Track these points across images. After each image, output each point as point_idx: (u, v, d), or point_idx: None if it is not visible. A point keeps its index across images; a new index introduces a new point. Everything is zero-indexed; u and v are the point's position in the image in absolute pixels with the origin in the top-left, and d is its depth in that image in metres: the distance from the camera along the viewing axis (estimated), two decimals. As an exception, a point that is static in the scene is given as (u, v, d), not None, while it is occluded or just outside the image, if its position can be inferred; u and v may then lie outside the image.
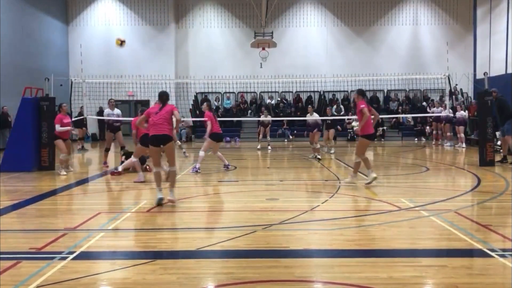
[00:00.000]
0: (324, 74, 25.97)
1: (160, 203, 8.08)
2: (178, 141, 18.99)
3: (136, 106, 25.71)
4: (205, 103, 13.49)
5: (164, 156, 8.84)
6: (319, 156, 15.48)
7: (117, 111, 14.42)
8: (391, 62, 26.98)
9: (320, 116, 16.97)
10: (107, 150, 14.17)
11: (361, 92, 10.21)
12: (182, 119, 19.10)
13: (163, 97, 8.35)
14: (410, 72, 25.65)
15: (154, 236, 6.39)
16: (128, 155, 12.56)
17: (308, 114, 16.48)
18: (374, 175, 9.97)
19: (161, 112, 8.18)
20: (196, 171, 12.33)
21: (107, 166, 13.80)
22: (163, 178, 9.25)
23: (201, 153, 12.68)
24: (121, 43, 17.31)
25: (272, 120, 21.52)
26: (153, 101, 19.71)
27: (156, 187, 8.33)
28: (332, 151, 17.23)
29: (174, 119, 8.33)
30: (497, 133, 15.82)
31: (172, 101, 23.37)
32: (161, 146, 8.15)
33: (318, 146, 15.77)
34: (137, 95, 24.13)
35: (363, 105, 9.85)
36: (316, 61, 27.41)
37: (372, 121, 10.06)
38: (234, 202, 8.89)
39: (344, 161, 15.01)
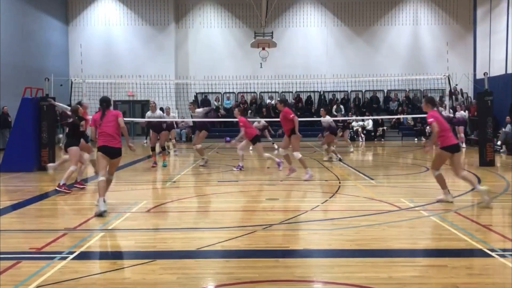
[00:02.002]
0: (324, 74, 25.98)
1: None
2: (173, 140, 19.01)
3: (136, 106, 25.79)
4: (236, 109, 13.59)
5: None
6: (339, 156, 15.18)
7: (159, 112, 14.48)
8: (391, 62, 26.97)
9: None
10: (153, 149, 14.07)
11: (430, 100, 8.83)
12: (182, 119, 19.12)
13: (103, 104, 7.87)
14: (410, 72, 25.64)
15: (154, 236, 6.40)
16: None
17: (322, 118, 16.19)
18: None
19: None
20: (240, 169, 12.78)
21: (155, 166, 13.74)
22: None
23: (239, 152, 12.95)
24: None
25: (273, 121, 21.48)
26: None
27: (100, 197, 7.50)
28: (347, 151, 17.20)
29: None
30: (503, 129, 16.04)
31: (172, 101, 23.62)
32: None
33: (334, 147, 15.42)
34: (137, 95, 24.15)
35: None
36: (316, 61, 27.40)
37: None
38: (234, 202, 8.88)
39: (344, 161, 15.01)
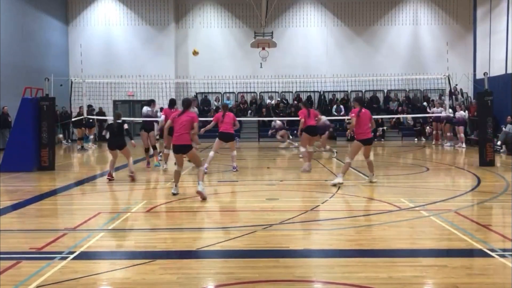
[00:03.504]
0: (324, 74, 25.97)
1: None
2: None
3: (136, 106, 25.77)
4: (301, 103, 13.79)
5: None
6: (335, 152, 15.96)
7: (156, 109, 14.62)
8: (391, 62, 26.97)
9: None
10: (146, 150, 13.84)
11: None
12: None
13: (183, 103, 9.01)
14: (410, 72, 25.62)
15: (154, 236, 6.39)
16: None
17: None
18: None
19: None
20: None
21: (149, 167, 13.84)
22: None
23: (302, 149, 12.82)
24: (196, 52, 17.46)
25: (273, 121, 21.60)
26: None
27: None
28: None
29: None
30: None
31: (172, 101, 23.53)
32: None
33: (328, 147, 16.08)
34: (137, 95, 24.11)
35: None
36: (316, 61, 27.39)
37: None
38: (234, 202, 8.89)
39: (343, 161, 14.99)
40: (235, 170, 12.67)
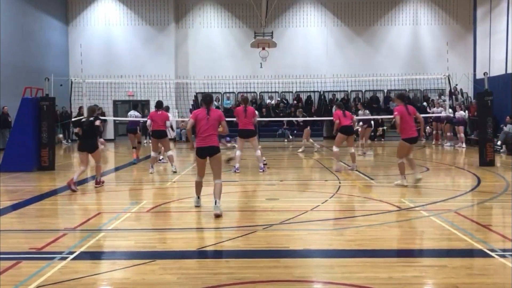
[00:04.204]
0: (324, 74, 25.96)
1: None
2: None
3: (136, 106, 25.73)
4: (335, 105, 13.67)
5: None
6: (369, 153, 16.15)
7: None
8: (391, 62, 26.96)
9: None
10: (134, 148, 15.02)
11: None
12: (183, 119, 19.09)
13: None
14: (410, 72, 25.62)
15: (154, 236, 6.40)
16: None
17: (360, 112, 17.17)
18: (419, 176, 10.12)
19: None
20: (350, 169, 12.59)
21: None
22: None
23: (335, 148, 12.78)
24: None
25: (273, 121, 21.61)
26: (153, 101, 19.80)
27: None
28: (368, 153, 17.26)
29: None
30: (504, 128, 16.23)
31: (172, 101, 23.63)
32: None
33: (369, 142, 16.42)
34: (137, 95, 24.12)
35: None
36: (316, 61, 27.39)
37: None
38: (234, 202, 8.88)
39: (344, 161, 15.00)
40: (262, 171, 12.36)
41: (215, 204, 7.24)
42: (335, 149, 12.72)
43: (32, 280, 4.58)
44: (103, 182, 10.60)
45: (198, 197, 8.05)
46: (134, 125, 14.90)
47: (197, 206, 7.97)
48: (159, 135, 12.48)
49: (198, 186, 7.95)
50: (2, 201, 8.73)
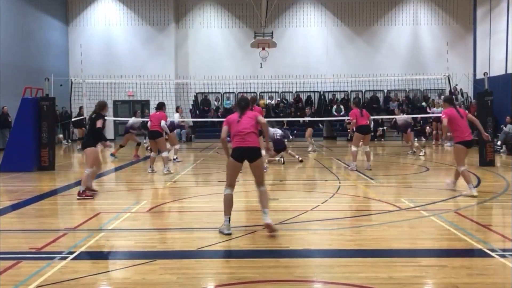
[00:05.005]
0: (324, 74, 25.98)
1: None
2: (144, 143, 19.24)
3: (136, 106, 25.75)
4: (353, 103, 13.76)
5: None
6: (421, 154, 16.09)
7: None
8: (391, 62, 26.97)
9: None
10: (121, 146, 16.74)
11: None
12: (182, 119, 19.09)
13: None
14: (410, 72, 25.64)
15: (154, 236, 6.39)
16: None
17: (397, 116, 17.49)
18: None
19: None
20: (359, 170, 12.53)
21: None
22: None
23: (353, 148, 12.80)
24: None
25: (276, 121, 21.69)
26: (153, 101, 19.94)
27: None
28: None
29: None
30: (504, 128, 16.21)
31: (172, 101, 23.64)
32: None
33: (417, 144, 16.44)
34: (137, 95, 24.14)
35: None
36: (316, 61, 27.40)
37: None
38: (234, 202, 8.86)
39: (343, 161, 15.01)
40: (265, 170, 12.36)
41: (264, 213, 6.24)
42: (353, 148, 12.75)
43: (32, 280, 4.57)
44: (86, 193, 8.88)
45: (229, 219, 6.30)
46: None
47: (228, 233, 6.16)
48: (152, 135, 12.49)
49: (229, 202, 6.36)
50: (2, 201, 8.73)
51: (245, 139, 6.31)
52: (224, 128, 6.56)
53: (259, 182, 6.45)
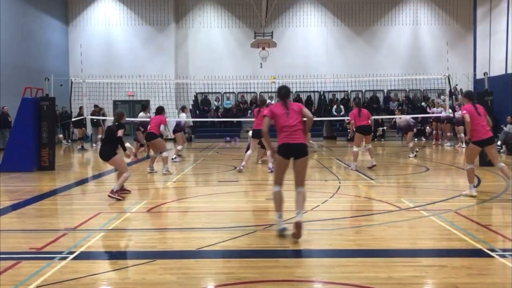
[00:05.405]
0: (324, 74, 25.97)
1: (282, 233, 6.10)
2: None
3: (136, 107, 25.76)
4: (354, 103, 13.88)
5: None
6: (415, 152, 16.29)
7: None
8: (391, 62, 26.97)
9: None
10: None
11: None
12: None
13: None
14: (410, 72, 25.64)
15: (154, 236, 6.39)
16: None
17: (398, 117, 17.60)
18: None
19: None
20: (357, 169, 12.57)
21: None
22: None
23: (355, 148, 12.85)
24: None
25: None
26: (153, 101, 19.97)
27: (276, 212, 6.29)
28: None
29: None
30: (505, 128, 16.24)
31: (172, 101, 23.64)
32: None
33: (411, 144, 16.42)
34: (137, 95, 24.11)
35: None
36: (316, 61, 27.40)
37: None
38: (234, 202, 8.88)
39: (344, 161, 15.01)
40: (270, 171, 12.16)
41: (298, 214, 5.99)
42: (355, 149, 12.83)
43: (32, 280, 4.57)
44: (119, 194, 8.83)
45: (280, 215, 6.17)
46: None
47: (282, 231, 6.05)
48: (147, 137, 12.81)
49: (279, 199, 6.23)
50: (2, 201, 8.73)
51: (294, 135, 6.09)
52: (266, 120, 6.24)
53: (300, 182, 6.21)
